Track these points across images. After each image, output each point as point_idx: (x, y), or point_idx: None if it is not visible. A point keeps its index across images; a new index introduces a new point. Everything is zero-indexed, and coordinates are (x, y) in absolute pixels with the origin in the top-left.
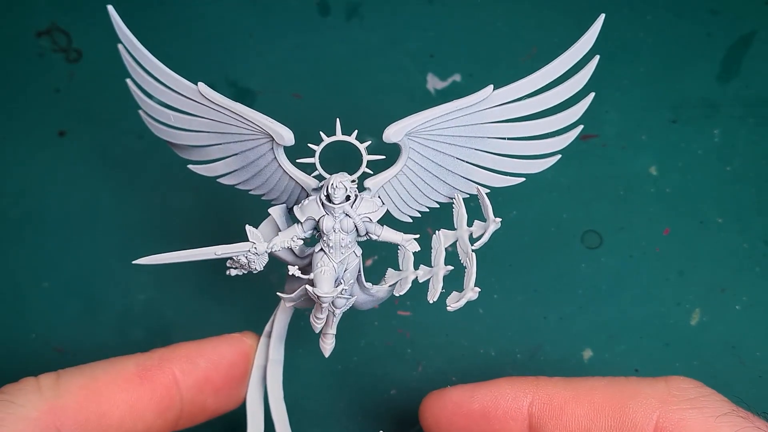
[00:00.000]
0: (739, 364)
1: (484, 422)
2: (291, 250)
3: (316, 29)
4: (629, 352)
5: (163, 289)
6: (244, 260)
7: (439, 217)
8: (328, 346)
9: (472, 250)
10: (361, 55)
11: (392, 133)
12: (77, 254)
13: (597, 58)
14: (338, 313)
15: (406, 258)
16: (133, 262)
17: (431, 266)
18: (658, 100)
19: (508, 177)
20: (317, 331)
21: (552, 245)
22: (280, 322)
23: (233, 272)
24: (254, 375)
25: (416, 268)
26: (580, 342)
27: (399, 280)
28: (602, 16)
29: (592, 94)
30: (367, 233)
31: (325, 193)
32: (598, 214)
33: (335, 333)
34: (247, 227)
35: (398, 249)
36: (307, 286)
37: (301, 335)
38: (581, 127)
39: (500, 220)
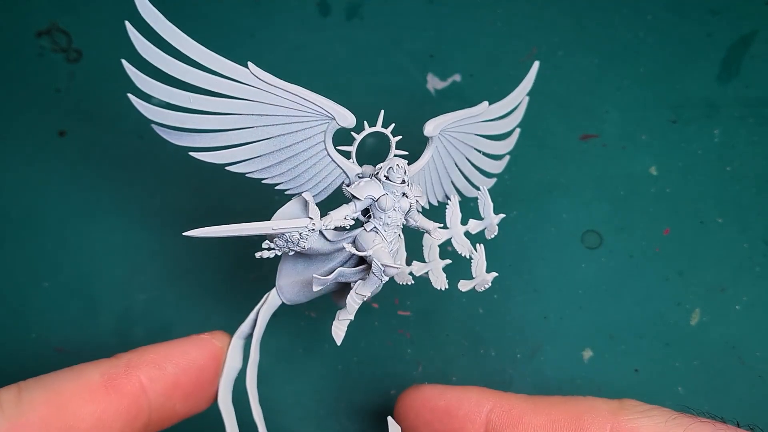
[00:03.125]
0: (739, 364)
1: (446, 419)
2: (324, 235)
3: (316, 29)
4: (629, 352)
5: (163, 289)
6: (296, 236)
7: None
8: (341, 333)
9: (480, 242)
10: (361, 55)
11: (432, 127)
12: (77, 254)
13: (527, 99)
14: (370, 297)
15: (400, 253)
16: (184, 233)
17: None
18: (658, 100)
19: (471, 188)
20: (353, 312)
21: (552, 245)
22: (263, 320)
23: (266, 254)
24: (226, 375)
25: (409, 264)
26: (580, 342)
27: (428, 270)
28: (536, 64)
29: (518, 130)
30: (407, 217)
31: (385, 174)
32: (598, 214)
33: (353, 319)
34: (309, 199)
35: (423, 244)
36: (375, 260)
37: (301, 335)
38: (508, 157)
39: (503, 216)
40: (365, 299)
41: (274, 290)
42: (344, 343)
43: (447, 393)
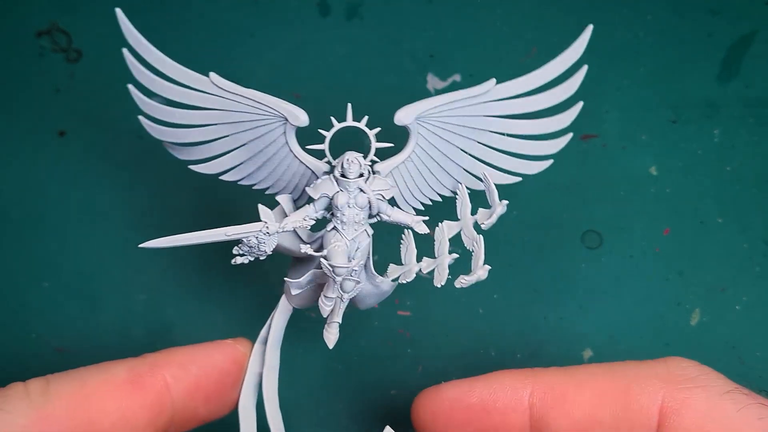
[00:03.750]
0: (739, 364)
1: (484, 415)
2: (298, 235)
3: (316, 29)
4: (629, 352)
5: (163, 289)
6: (254, 241)
7: (443, 210)
8: (332, 336)
9: (479, 233)
10: (361, 55)
11: (403, 116)
12: (77, 254)
13: (585, 68)
14: (345, 298)
15: (409, 251)
16: (140, 245)
17: (434, 257)
18: (658, 100)
19: (506, 175)
20: (325, 315)
21: (552, 245)
22: (277, 325)
23: (239, 260)
24: (248, 381)
25: (419, 261)
26: (580, 342)
27: (404, 272)
28: (590, 27)
29: (581, 104)
30: (378, 213)
31: (340, 169)
32: (598, 214)
33: (340, 322)
34: (260, 206)
35: (401, 243)
36: (323, 260)
37: (300, 335)
38: (570, 135)
39: (506, 202)
40: (342, 301)
41: (283, 295)
42: (344, 344)
43: (475, 387)
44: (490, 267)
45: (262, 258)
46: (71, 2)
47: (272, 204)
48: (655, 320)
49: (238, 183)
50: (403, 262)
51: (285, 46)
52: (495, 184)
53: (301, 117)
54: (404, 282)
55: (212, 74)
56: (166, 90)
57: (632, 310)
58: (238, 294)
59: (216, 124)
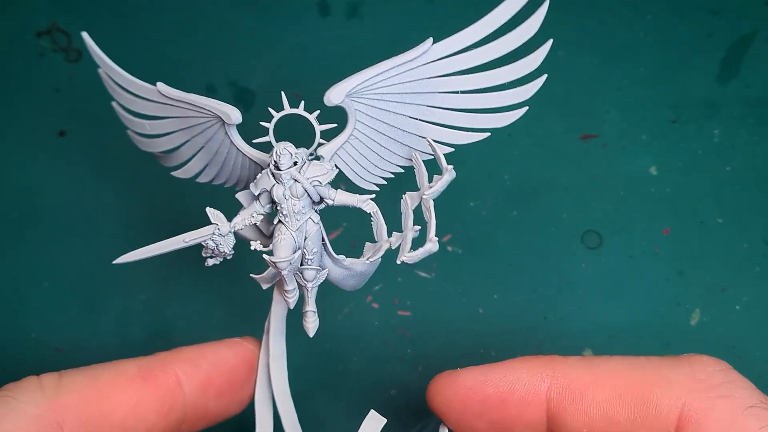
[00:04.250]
0: (739, 364)
1: (500, 406)
2: (260, 230)
3: (316, 29)
4: (629, 352)
5: (163, 289)
6: (212, 244)
7: (409, 181)
8: (310, 324)
9: (429, 199)
10: (361, 55)
11: (332, 95)
12: (77, 254)
13: (547, 3)
14: (310, 287)
15: (379, 227)
16: (113, 262)
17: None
18: (658, 100)
19: (471, 133)
20: (292, 307)
21: (552, 245)
22: (275, 315)
23: (210, 261)
24: (260, 375)
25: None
26: (580, 342)
27: (375, 249)
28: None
29: (550, 41)
30: (322, 199)
31: (273, 162)
32: (598, 214)
33: (315, 311)
34: (208, 209)
35: (370, 220)
36: (265, 256)
37: (300, 335)
38: (545, 76)
39: (452, 167)
40: (309, 290)
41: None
42: (344, 344)
43: (491, 376)
44: (437, 238)
45: (229, 257)
46: (71, 2)
47: None
48: (655, 320)
49: (212, 184)
50: (375, 239)
51: (285, 46)
52: (466, 144)
53: (232, 115)
54: (371, 261)
55: (159, 84)
56: (128, 102)
57: (632, 310)
58: (238, 293)
59: (175, 131)
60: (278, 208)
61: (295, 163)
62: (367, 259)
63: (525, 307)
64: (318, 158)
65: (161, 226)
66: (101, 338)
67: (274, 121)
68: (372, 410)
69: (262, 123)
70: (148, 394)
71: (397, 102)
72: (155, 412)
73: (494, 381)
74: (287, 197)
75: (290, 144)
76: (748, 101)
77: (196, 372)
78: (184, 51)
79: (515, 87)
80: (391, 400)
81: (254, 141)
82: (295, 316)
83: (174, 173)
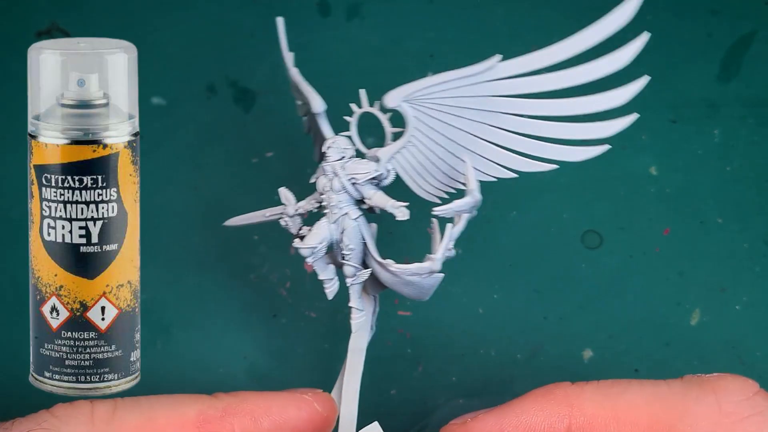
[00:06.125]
0: (739, 364)
1: None
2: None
3: (316, 29)
4: (629, 352)
5: (163, 289)
6: (283, 223)
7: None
8: (352, 321)
9: (440, 215)
10: (361, 55)
11: (389, 98)
12: None
13: (646, 35)
14: (350, 282)
15: (434, 240)
16: (224, 223)
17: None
18: (658, 100)
19: (535, 161)
20: (329, 298)
21: (552, 245)
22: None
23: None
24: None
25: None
26: (580, 342)
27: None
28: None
29: (647, 78)
30: (363, 199)
31: (322, 153)
32: (598, 214)
33: (359, 308)
34: (281, 189)
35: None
36: (295, 241)
37: (301, 336)
38: (636, 115)
39: (478, 191)
40: (350, 286)
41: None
42: (343, 343)
43: (507, 424)
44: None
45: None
46: (71, 2)
47: (280, 200)
48: (655, 320)
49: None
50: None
51: None
52: (525, 172)
53: (314, 103)
54: (413, 271)
55: (292, 70)
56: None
57: (632, 310)
58: (238, 294)
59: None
60: (322, 199)
61: (342, 158)
62: (427, 270)
63: (525, 307)
64: (362, 157)
65: (161, 226)
66: None
67: (356, 116)
68: (376, 422)
69: (345, 118)
70: None
71: (457, 116)
72: None
73: (510, 430)
74: (327, 189)
75: (344, 139)
76: (748, 101)
77: (255, 430)
78: (185, 50)
79: (595, 120)
80: (391, 400)
81: (341, 134)
82: (296, 320)
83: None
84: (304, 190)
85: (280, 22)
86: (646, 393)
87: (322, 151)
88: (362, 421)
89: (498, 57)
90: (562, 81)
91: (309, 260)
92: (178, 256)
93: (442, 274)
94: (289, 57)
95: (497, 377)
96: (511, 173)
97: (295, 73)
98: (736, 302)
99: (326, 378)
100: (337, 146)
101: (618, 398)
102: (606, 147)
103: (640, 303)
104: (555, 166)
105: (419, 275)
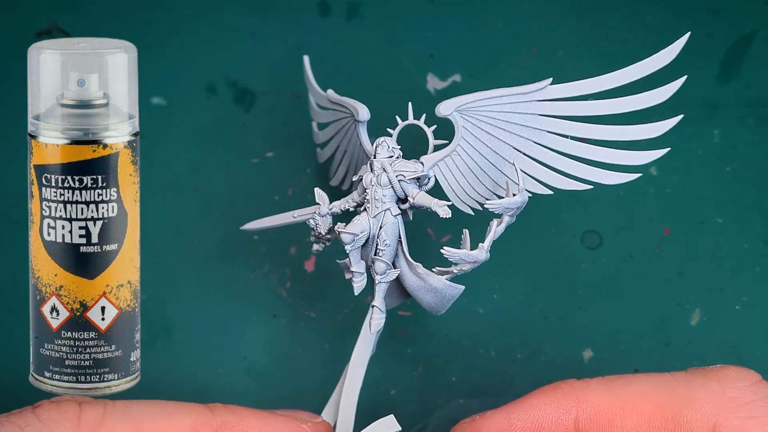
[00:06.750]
0: (739, 364)
1: None
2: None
3: (316, 29)
4: (629, 352)
5: (163, 289)
6: (312, 223)
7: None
8: (373, 321)
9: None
10: (361, 55)
11: (443, 107)
12: None
13: (683, 78)
14: (378, 279)
15: (464, 242)
16: (241, 228)
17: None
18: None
19: (571, 180)
20: (356, 293)
21: (552, 245)
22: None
23: (315, 247)
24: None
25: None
26: (580, 342)
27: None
28: (687, 35)
29: (681, 116)
30: (406, 197)
31: (375, 152)
32: (598, 214)
33: (381, 309)
34: (316, 189)
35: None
36: (338, 226)
37: (301, 336)
38: (667, 149)
39: (526, 191)
40: (377, 284)
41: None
42: (344, 344)
43: (516, 420)
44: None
45: (327, 244)
46: (71, 2)
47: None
48: (655, 320)
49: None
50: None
51: (285, 46)
52: (561, 189)
53: (360, 112)
54: (444, 276)
55: (329, 91)
56: (316, 116)
57: (632, 310)
58: (239, 293)
59: (332, 138)
60: (365, 194)
61: (390, 156)
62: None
63: (525, 307)
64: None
65: (161, 226)
66: None
67: (398, 128)
68: (392, 415)
69: (389, 129)
70: None
71: (504, 130)
72: None
73: (519, 424)
74: (373, 184)
75: (393, 140)
76: (748, 101)
77: None
78: (185, 50)
79: (631, 149)
80: (391, 400)
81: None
82: (296, 320)
83: (331, 182)
84: (304, 190)
85: (306, 60)
86: (652, 383)
87: (373, 148)
88: (360, 424)
89: (549, 80)
90: (606, 108)
91: (348, 247)
92: (178, 256)
93: (462, 287)
94: (315, 88)
95: (497, 377)
96: (548, 190)
97: (332, 93)
98: (735, 302)
99: (326, 378)
100: (386, 144)
101: (623, 389)
102: (638, 174)
103: (639, 303)
104: (590, 187)
105: (468, 263)
